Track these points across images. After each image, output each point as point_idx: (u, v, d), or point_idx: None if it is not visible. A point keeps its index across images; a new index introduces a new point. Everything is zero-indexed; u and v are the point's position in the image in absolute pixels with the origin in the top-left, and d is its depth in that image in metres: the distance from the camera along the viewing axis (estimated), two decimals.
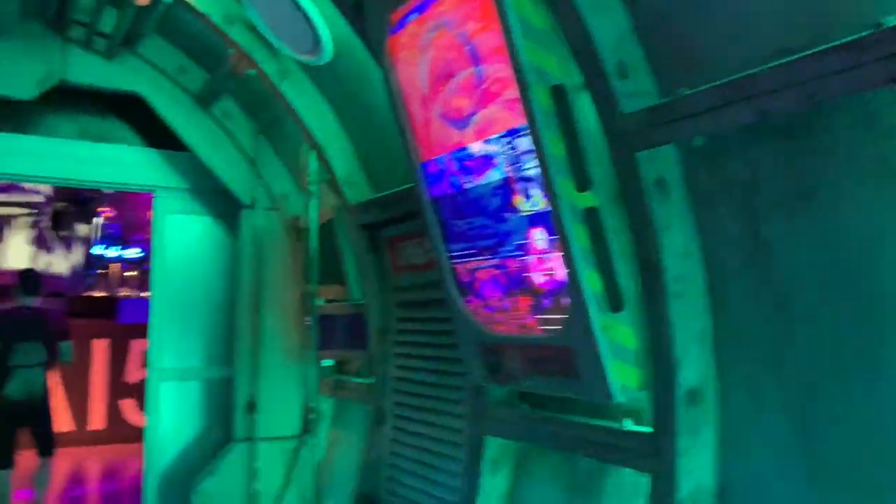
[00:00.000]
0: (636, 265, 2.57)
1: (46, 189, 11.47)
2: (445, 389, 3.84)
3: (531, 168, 2.70)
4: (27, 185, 11.17)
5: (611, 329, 2.60)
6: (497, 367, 3.24)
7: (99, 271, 18.38)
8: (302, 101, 4.43)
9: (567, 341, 2.73)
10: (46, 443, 6.05)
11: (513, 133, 2.74)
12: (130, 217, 20.53)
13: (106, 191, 13.02)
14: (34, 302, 5.93)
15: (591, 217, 2.57)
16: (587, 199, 2.59)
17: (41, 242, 11.40)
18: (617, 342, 2.60)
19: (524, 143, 2.70)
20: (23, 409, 5.73)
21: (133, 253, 20.25)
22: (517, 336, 3.06)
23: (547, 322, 2.84)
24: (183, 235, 5.79)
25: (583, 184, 2.57)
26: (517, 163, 2.77)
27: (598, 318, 2.58)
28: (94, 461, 9.13)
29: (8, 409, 5.69)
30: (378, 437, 4.40)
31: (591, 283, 2.58)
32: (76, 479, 8.19)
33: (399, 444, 4.18)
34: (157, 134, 5.62)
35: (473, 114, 2.92)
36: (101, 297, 13.37)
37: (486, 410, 3.51)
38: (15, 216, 10.95)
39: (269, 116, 5.26)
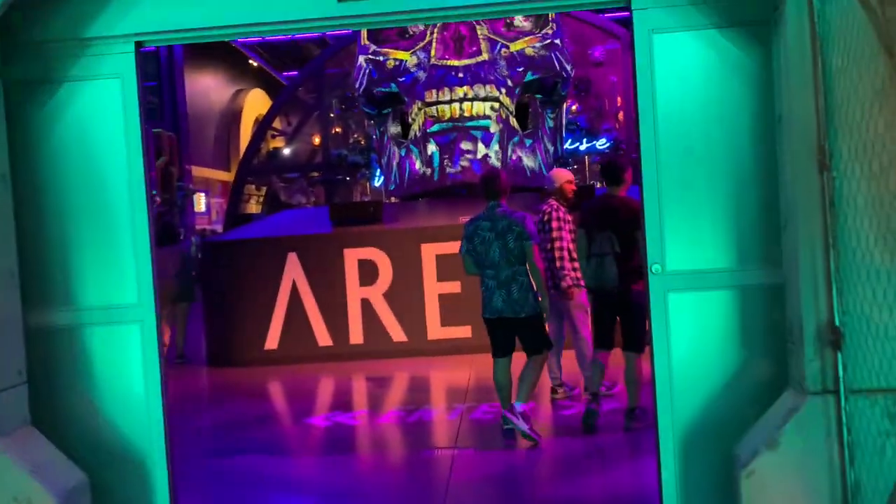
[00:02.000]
0: None
1: (507, 80, 10.28)
2: None
3: None
4: (489, 76, 10.10)
5: None
6: None
7: (569, 165, 17.42)
8: None
9: None
10: (631, 337, 5.71)
11: None
12: (596, 106, 19.14)
13: (568, 75, 11.43)
14: (618, 191, 5.79)
15: None
16: None
17: (510, 137, 10.32)
18: None
19: None
20: (599, 296, 5.79)
21: (601, 144, 18.90)
22: None
23: None
24: (681, 67, 3.53)
25: None
26: None
27: None
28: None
29: (592, 296, 5.94)
30: None
31: None
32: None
33: None
34: None
35: None
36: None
37: None
38: (479, 113, 9.98)
39: None
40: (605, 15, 18.65)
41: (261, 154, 21.78)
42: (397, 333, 9.37)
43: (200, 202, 30.76)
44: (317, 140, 22.91)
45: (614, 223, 5.62)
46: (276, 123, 29.39)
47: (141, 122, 3.59)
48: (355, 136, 22.58)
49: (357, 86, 11.28)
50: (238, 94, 34.90)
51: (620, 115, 18.44)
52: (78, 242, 3.61)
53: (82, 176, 3.61)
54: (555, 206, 6.43)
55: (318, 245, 9.58)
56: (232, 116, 34.21)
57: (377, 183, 18.80)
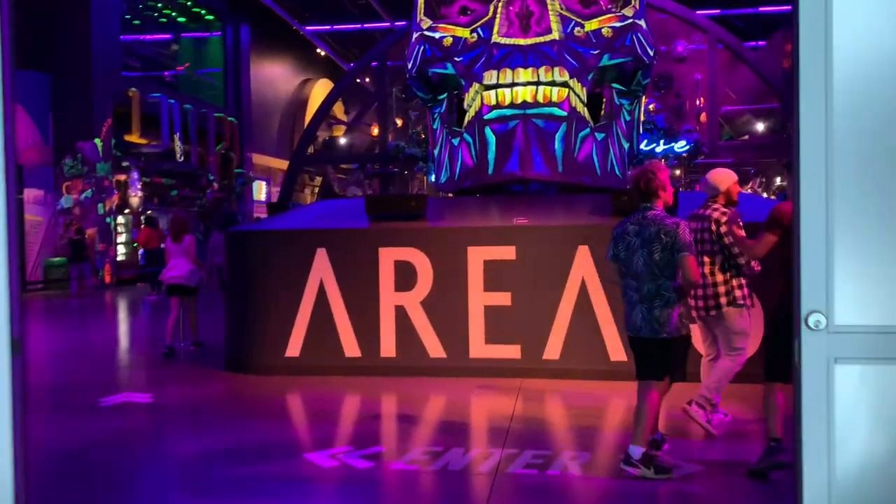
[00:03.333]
0: None
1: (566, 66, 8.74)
2: None
3: None
4: (558, 58, 8.60)
5: None
6: None
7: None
8: None
9: None
10: (785, 364, 4.50)
11: None
12: (676, 106, 17.35)
13: (653, 68, 9.86)
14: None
15: None
16: None
17: (579, 129, 8.79)
18: None
19: None
20: (778, 320, 4.81)
21: (680, 146, 17.08)
22: None
23: None
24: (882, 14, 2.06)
25: None
26: None
27: None
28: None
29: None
30: None
31: None
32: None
33: None
34: None
35: None
36: None
37: None
38: (545, 99, 8.48)
39: None
40: (699, 12, 16.93)
41: (317, 143, 20.76)
42: (435, 348, 7.99)
43: (261, 190, 30.15)
44: (375, 131, 21.77)
45: None
46: (340, 114, 28.45)
47: (9, 67, 2.30)
48: (417, 128, 21.34)
49: (409, 66, 9.92)
50: (305, 84, 34.23)
51: (703, 117, 16.61)
52: None
53: None
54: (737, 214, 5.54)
55: (350, 241, 8.28)
56: (297, 105, 33.55)
57: (434, 177, 17.53)
